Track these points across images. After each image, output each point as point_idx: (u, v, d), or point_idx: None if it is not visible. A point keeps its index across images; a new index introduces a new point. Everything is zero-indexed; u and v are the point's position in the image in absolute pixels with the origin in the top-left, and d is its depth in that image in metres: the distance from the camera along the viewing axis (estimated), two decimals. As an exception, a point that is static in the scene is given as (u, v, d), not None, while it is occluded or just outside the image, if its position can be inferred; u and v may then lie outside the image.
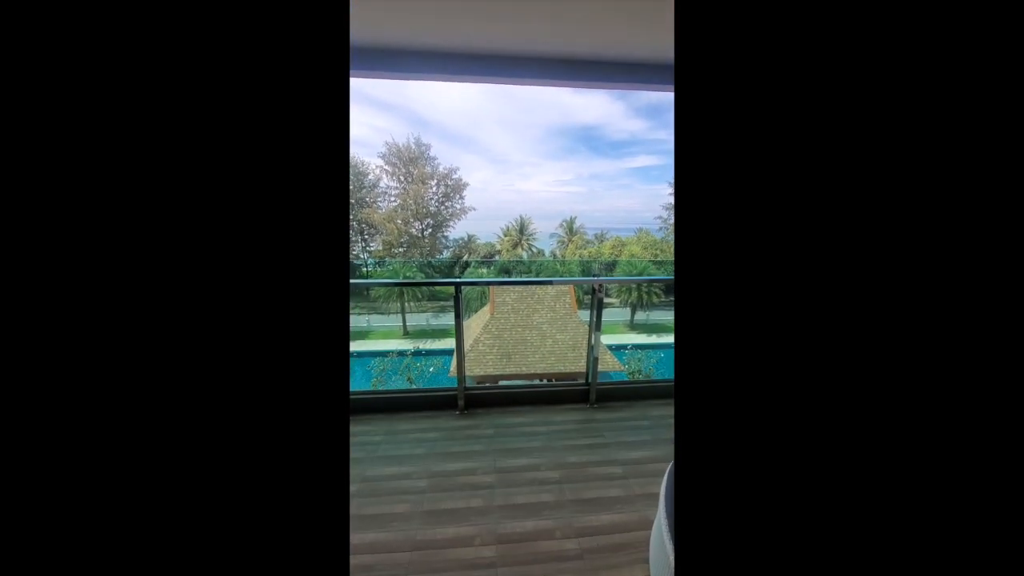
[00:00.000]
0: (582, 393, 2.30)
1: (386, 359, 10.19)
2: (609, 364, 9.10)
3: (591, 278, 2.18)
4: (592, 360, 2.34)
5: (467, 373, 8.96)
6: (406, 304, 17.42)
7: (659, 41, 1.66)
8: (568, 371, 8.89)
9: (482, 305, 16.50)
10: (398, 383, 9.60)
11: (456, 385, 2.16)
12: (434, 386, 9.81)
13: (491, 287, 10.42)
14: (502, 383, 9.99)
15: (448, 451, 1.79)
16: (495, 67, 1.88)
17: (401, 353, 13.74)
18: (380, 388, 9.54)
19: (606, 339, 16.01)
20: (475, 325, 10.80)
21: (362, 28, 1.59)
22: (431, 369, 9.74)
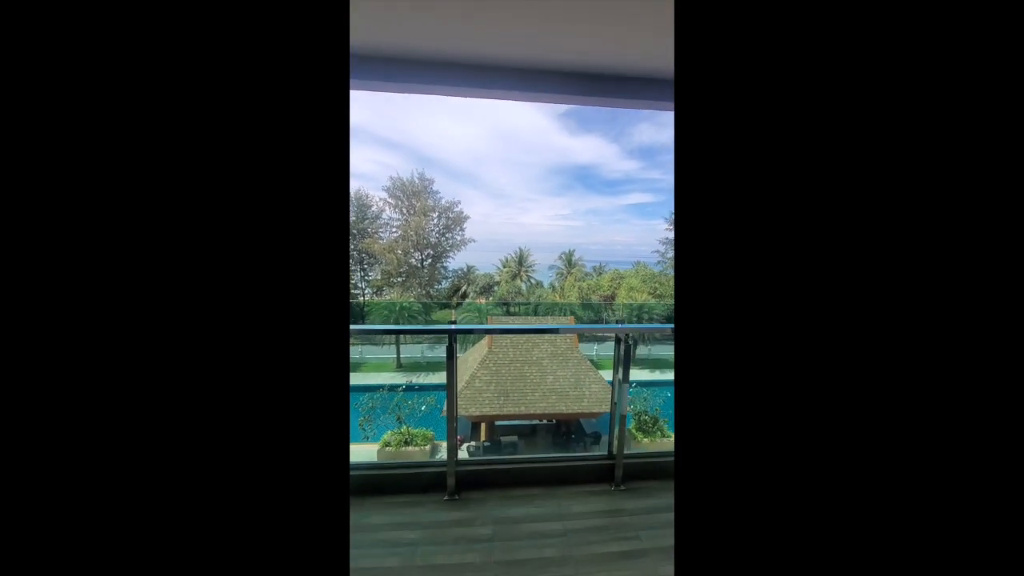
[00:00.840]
0: (605, 470, 1.83)
1: (376, 395, 9.51)
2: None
3: (617, 326, 1.79)
4: (618, 419, 1.89)
5: (462, 412, 8.32)
6: (401, 336, 16.78)
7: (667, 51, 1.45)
8: (570, 411, 8.25)
9: (480, 337, 15.99)
10: (387, 423, 8.87)
11: (446, 457, 1.70)
12: (426, 426, 9.11)
13: (489, 318, 10.01)
14: (503, 430, 9.25)
15: (431, 564, 1.31)
16: (502, 80, 1.65)
17: (392, 388, 12.97)
18: (367, 428, 8.81)
19: (605, 374, 15.37)
20: (472, 359, 10.22)
21: (360, 37, 1.37)
22: (423, 408, 9.04)
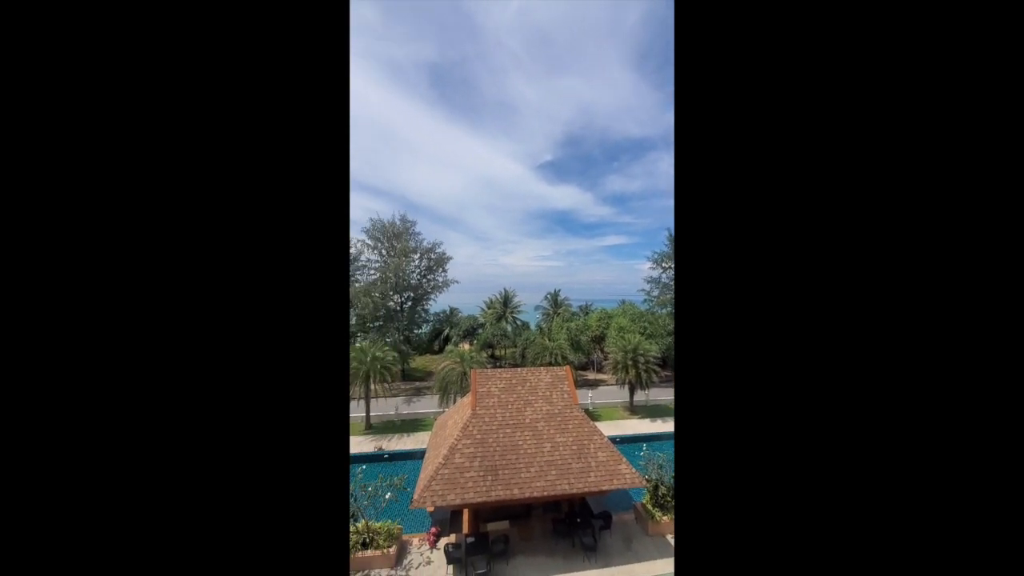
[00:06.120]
0: None
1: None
2: (626, 478, 6.88)
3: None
4: None
5: (440, 501, 6.41)
6: (372, 387, 14.44)
7: None
8: (574, 490, 6.57)
9: (462, 389, 13.89)
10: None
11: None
12: (392, 517, 7.06)
13: (472, 371, 8.46)
14: (490, 514, 7.29)
15: None
16: None
17: (354, 460, 10.76)
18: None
19: (603, 427, 13.59)
20: (452, 423, 8.49)
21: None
22: (387, 495, 7.08)
